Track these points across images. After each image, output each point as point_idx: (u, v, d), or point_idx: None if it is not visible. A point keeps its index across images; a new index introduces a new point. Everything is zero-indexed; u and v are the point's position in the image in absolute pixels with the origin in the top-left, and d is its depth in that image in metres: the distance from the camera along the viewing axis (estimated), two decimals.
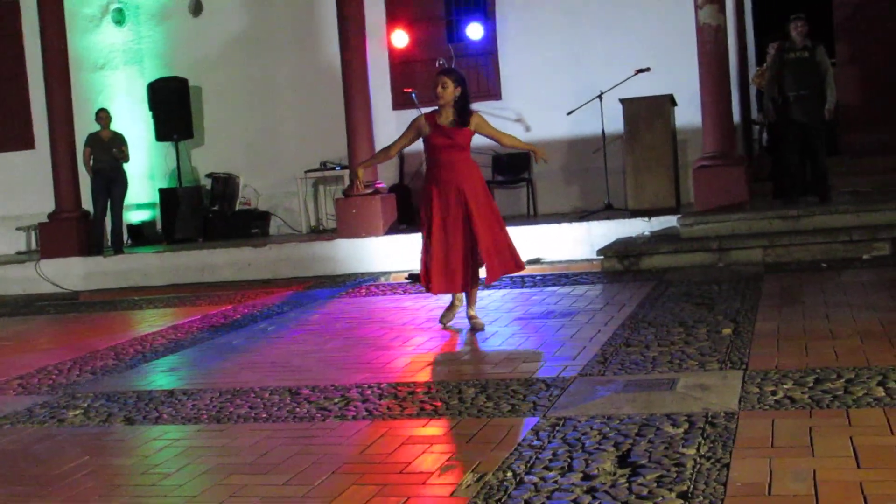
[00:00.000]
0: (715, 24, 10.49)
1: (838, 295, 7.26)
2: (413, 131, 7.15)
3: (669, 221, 10.43)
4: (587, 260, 10.44)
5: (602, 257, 9.91)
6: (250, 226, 14.10)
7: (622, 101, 11.18)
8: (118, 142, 13.02)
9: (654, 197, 10.95)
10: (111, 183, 12.97)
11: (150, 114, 14.21)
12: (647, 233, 10.48)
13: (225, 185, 14.29)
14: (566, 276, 9.60)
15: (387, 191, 12.32)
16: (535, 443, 4.19)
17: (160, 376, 6.60)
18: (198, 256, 12.35)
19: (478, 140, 13.26)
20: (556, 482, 3.68)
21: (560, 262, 10.58)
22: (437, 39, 13.60)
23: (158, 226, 14.58)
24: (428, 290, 7.23)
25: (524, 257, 10.58)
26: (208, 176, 14.43)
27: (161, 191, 14.25)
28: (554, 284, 9.11)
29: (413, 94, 12.40)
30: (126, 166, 13.18)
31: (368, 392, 5.42)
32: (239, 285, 11.43)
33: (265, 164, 14.39)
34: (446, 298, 7.75)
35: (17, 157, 15.34)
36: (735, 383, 4.84)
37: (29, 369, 7.13)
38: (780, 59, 10.46)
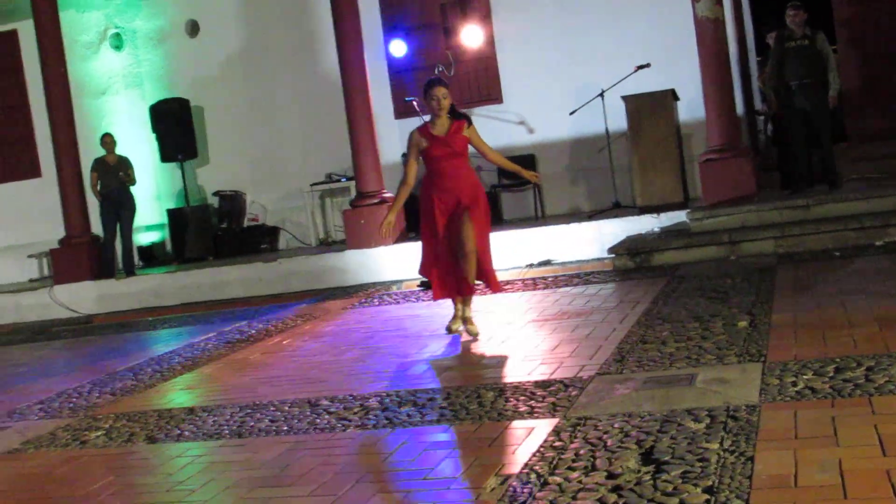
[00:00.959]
0: (713, 17, 10.48)
1: (853, 282, 7.24)
2: (415, 149, 7.12)
3: (679, 217, 10.41)
4: (598, 259, 10.42)
5: (613, 256, 9.90)
6: (259, 241, 14.14)
7: (624, 98, 11.17)
8: (124, 165, 13.06)
9: (661, 193, 10.93)
10: (119, 206, 13.01)
11: (153, 136, 14.25)
12: (656, 229, 10.47)
13: (232, 202, 14.32)
14: (578, 276, 9.60)
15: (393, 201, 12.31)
16: (557, 444, 4.19)
17: (179, 394, 6.63)
18: (209, 274, 12.38)
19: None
20: (580, 482, 3.68)
21: (571, 262, 10.56)
22: (435, 46, 13.61)
23: (168, 246, 14.62)
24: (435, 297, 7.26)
25: (535, 259, 10.70)
26: (215, 194, 14.46)
27: (169, 211, 14.29)
28: (566, 285, 9.11)
29: (414, 102, 12.41)
30: (133, 189, 13.21)
31: (388, 400, 5.43)
32: (251, 301, 11.45)
33: (271, 180, 14.42)
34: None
35: (24, 186, 15.39)
36: (755, 376, 4.83)
37: (49, 393, 7.16)
38: (780, 49, 10.45)
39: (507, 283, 9.74)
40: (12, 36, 15.29)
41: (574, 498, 3.54)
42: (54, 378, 7.96)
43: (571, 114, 11.90)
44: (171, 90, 14.56)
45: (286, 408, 5.59)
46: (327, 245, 13.43)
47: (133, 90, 15.00)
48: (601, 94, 11.61)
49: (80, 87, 14.53)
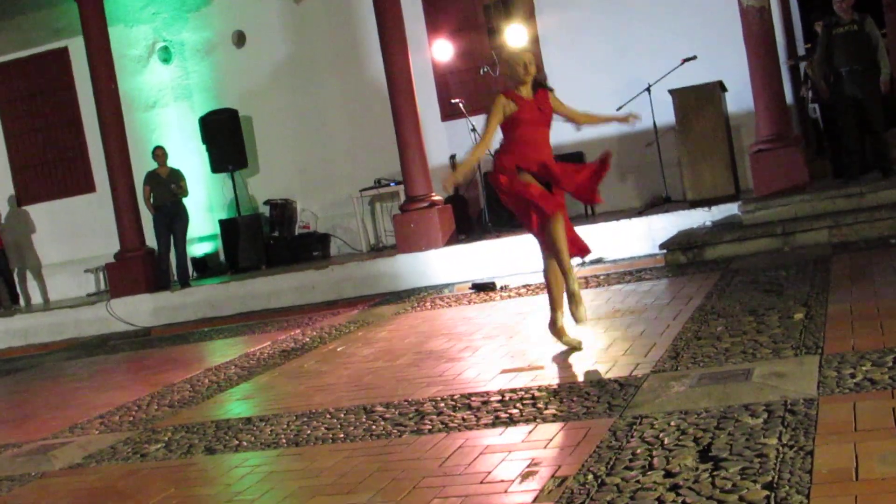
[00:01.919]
0: (758, 6, 10.39)
1: None
2: (500, 113, 6.43)
3: (730, 209, 10.32)
4: (650, 255, 10.36)
5: (665, 251, 9.83)
6: (311, 249, 14.24)
7: (671, 91, 11.09)
8: (176, 177, 13.22)
9: (712, 186, 10.84)
10: (172, 218, 13.18)
11: (203, 147, 14.42)
12: (708, 223, 10.38)
13: (283, 210, 14.44)
14: (630, 273, 9.54)
15: (443, 202, 12.34)
16: (614, 443, 4.17)
17: (236, 404, 6.68)
18: (262, 283, 12.49)
19: None
20: (637, 482, 3.66)
21: (622, 259, 10.52)
22: (479, 47, 13.62)
23: (222, 256, 14.78)
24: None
25: (586, 257, 10.64)
26: (266, 203, 14.60)
27: (221, 222, 14.44)
28: (618, 283, 9.06)
29: (461, 104, 12.42)
30: (186, 201, 13.38)
31: (442, 405, 5.43)
32: (305, 309, 11.53)
33: (320, 187, 14.52)
34: (510, 306, 7.69)
35: (79, 202, 15.69)
36: (812, 368, 4.76)
37: (109, 407, 7.26)
38: (827, 36, 10.31)
39: None
40: (63, 53, 15.59)
41: (632, 498, 3.51)
42: (114, 392, 8.07)
43: (618, 109, 11.81)
44: (220, 101, 14.73)
45: (342, 415, 5.62)
46: (378, 250, 13.50)
47: (182, 102, 15.19)
48: (648, 89, 11.55)
49: (131, 101, 14.76)
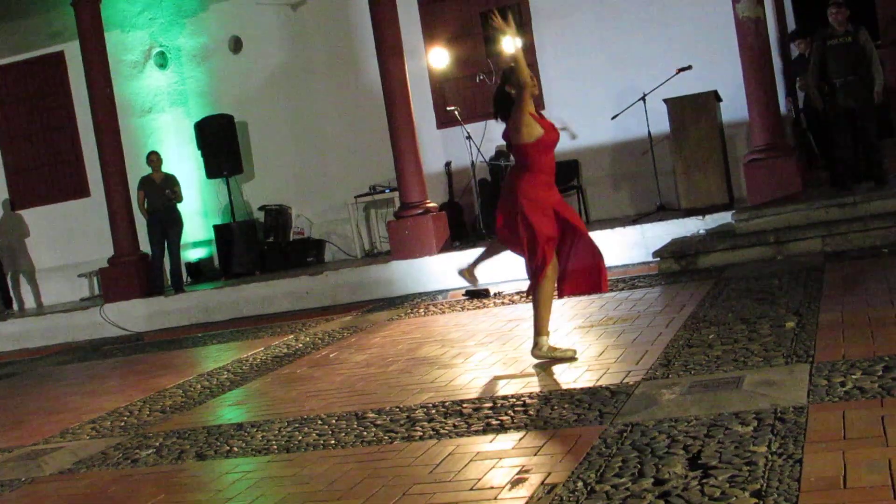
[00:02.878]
0: (754, 17, 10.42)
1: None
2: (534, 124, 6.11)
3: (724, 218, 10.34)
4: (643, 263, 10.38)
5: (658, 259, 9.84)
6: (305, 255, 14.24)
7: (666, 101, 11.12)
8: (171, 183, 13.23)
9: (706, 195, 10.87)
10: (167, 224, 13.17)
11: (199, 152, 14.41)
12: (702, 231, 10.40)
13: (277, 216, 14.44)
14: (623, 280, 9.55)
15: (437, 209, 12.35)
16: (604, 450, 4.18)
17: (228, 410, 6.68)
18: (256, 289, 12.49)
19: None
20: (627, 489, 3.66)
21: (616, 266, 10.51)
22: (475, 55, 13.63)
23: (216, 262, 14.76)
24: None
25: None
26: (261, 209, 14.60)
27: (216, 227, 14.43)
28: (611, 290, 9.05)
29: (457, 112, 12.43)
30: (180, 206, 13.38)
31: (434, 411, 5.43)
32: (299, 314, 11.53)
33: (315, 193, 14.53)
34: (503, 313, 7.71)
35: (73, 206, 15.67)
36: (802, 377, 4.78)
37: (101, 412, 7.25)
38: (822, 47, 10.33)
39: None
40: (59, 57, 15.59)
41: None
42: (106, 397, 8.06)
43: (613, 118, 11.86)
44: (216, 107, 14.72)
45: (333, 421, 5.62)
46: (372, 256, 13.50)
47: (178, 108, 15.19)
48: (643, 98, 11.57)
49: (126, 106, 14.77)
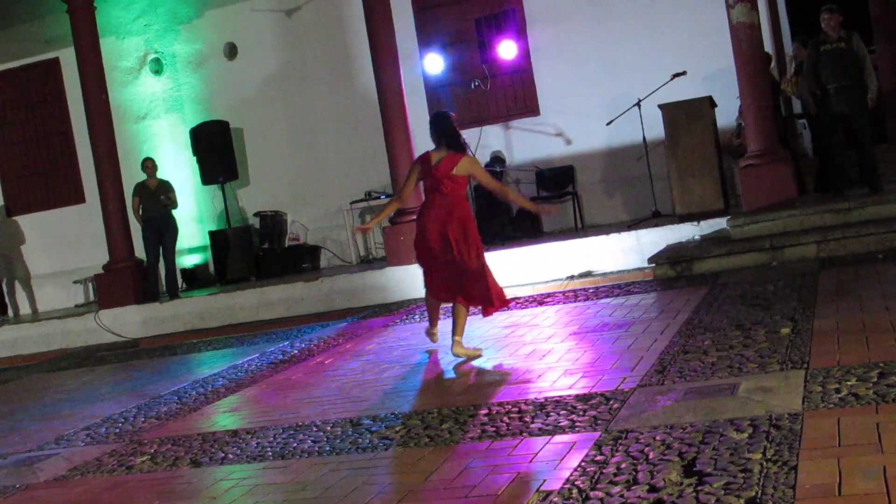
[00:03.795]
0: (748, 22, 10.42)
1: None
2: (414, 173, 7.37)
3: (719, 224, 10.35)
4: (639, 269, 10.38)
5: (653, 265, 9.85)
6: (301, 261, 14.23)
7: (661, 106, 11.14)
8: (166, 189, 13.21)
9: (701, 200, 10.87)
10: (162, 230, 13.16)
11: (194, 158, 14.40)
12: (697, 237, 10.40)
13: (273, 222, 14.43)
14: (619, 286, 9.56)
15: None
16: (599, 458, 4.18)
17: (223, 417, 6.67)
18: (251, 295, 12.47)
19: (521, 155, 13.31)
20: (622, 496, 3.66)
21: (611, 272, 10.53)
22: (470, 61, 13.64)
23: (211, 268, 14.75)
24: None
25: (575, 270, 10.67)
26: (256, 215, 14.58)
27: (211, 233, 14.42)
28: (607, 296, 9.07)
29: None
30: (175, 212, 13.36)
31: (429, 418, 5.43)
32: (294, 321, 11.52)
33: (311, 199, 14.52)
34: (499, 319, 7.75)
35: (69, 212, 15.65)
36: (797, 383, 4.78)
37: (96, 419, 7.24)
38: (815, 53, 10.35)
39: (548, 295, 9.74)
40: (54, 64, 15.58)
41: None
42: (100, 403, 8.05)
43: (608, 124, 11.88)
44: (211, 113, 14.72)
45: (328, 428, 5.61)
46: (368, 263, 13.49)
47: (173, 114, 15.18)
48: (638, 104, 11.59)
49: (122, 112, 14.77)
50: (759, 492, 3.46)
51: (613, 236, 10.88)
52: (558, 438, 4.62)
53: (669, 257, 9.77)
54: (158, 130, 15.25)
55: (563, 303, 9.13)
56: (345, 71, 14.17)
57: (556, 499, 3.77)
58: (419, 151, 12.52)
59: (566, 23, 13.07)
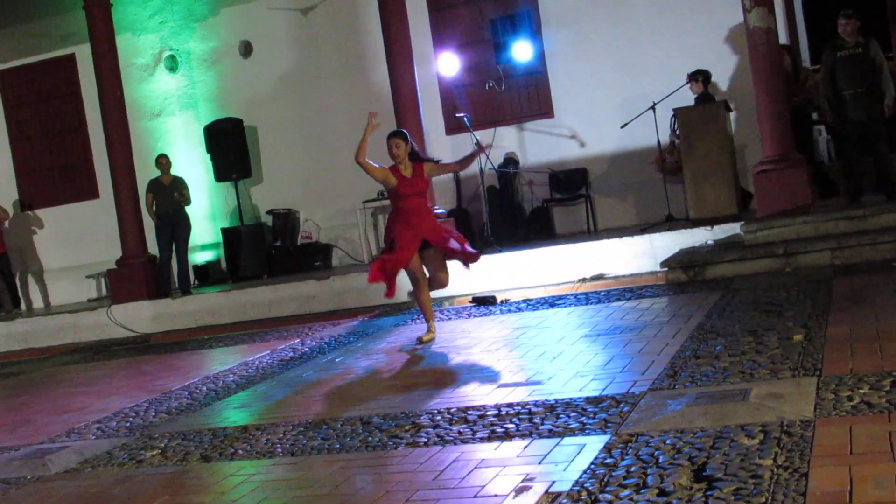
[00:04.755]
0: (765, 27, 10.39)
1: None
2: (381, 173, 8.20)
3: (733, 229, 10.31)
4: (651, 273, 10.36)
5: (666, 269, 9.82)
6: (313, 259, 14.24)
7: (676, 110, 11.11)
8: (179, 186, 13.25)
9: (715, 205, 10.83)
10: (175, 226, 13.20)
11: (207, 156, 14.43)
12: (710, 242, 10.38)
13: (285, 220, 14.45)
14: (631, 290, 9.54)
15: (445, 215, 12.35)
16: (609, 461, 4.17)
17: (233, 413, 6.68)
18: (263, 293, 12.49)
19: (535, 157, 13.28)
20: (631, 499, 3.66)
21: (624, 276, 10.51)
22: (485, 62, 13.63)
23: (223, 265, 14.78)
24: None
25: (588, 273, 10.66)
26: (269, 212, 14.61)
27: (224, 230, 14.44)
28: (619, 299, 9.05)
29: (465, 118, 12.43)
30: (188, 209, 13.40)
31: (439, 417, 5.43)
32: (305, 319, 11.53)
33: (323, 197, 14.54)
34: (510, 320, 7.71)
35: (82, 208, 15.71)
36: (809, 390, 4.76)
37: (106, 413, 7.27)
38: (832, 58, 10.31)
39: (559, 297, 9.73)
40: (70, 60, 15.64)
41: None
42: (112, 397, 8.07)
43: (623, 127, 11.85)
44: (225, 110, 14.75)
45: (338, 426, 5.62)
46: None
47: (188, 111, 15.22)
48: (653, 107, 11.56)
49: (136, 109, 14.82)
50: (769, 498, 3.44)
51: (626, 239, 10.86)
52: (568, 440, 4.61)
53: (682, 262, 9.74)
54: (173, 127, 15.29)
55: (575, 305, 9.12)
56: (359, 70, 14.18)
57: (564, 501, 3.76)
58: (432, 151, 12.58)
59: (581, 25, 13.05)
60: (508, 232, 12.77)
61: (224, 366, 8.77)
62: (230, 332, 11.52)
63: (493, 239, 12.32)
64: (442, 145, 13.43)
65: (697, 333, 6.72)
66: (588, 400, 5.30)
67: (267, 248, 14.31)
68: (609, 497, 3.72)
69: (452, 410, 5.55)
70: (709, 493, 3.59)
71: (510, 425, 5.03)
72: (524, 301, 9.88)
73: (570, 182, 13.10)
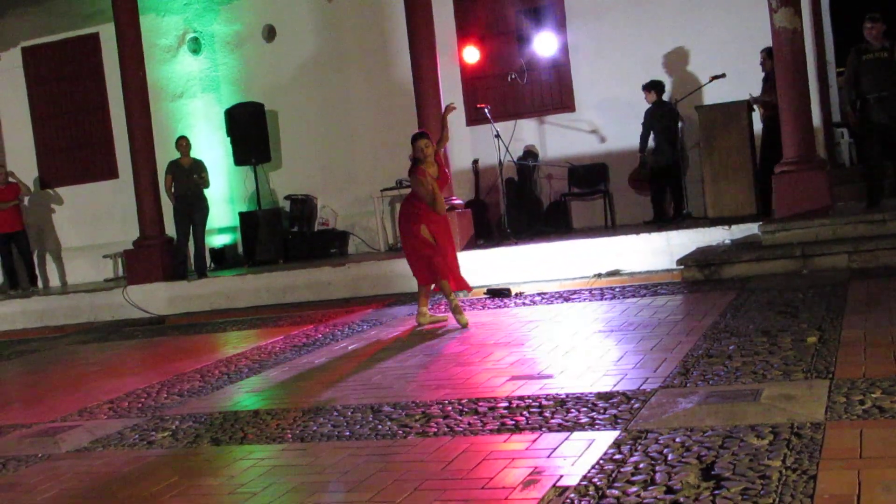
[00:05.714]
0: (791, 27, 10.32)
1: None
2: (432, 182, 8.49)
3: (750, 229, 10.27)
4: (667, 270, 10.33)
5: (682, 267, 9.80)
6: (329, 246, 14.27)
7: (697, 108, 11.08)
8: (198, 168, 13.28)
9: (733, 204, 10.80)
10: (193, 209, 13.24)
11: (228, 139, 14.47)
12: (727, 241, 10.34)
13: (303, 206, 14.48)
14: (646, 287, 9.52)
15: (463, 206, 12.35)
16: (617, 456, 4.17)
17: (245, 397, 6.71)
18: (279, 278, 12.52)
19: (554, 151, 13.26)
20: (638, 496, 3.65)
21: (639, 272, 10.49)
22: (508, 53, 13.61)
23: (240, 248, 14.81)
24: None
25: (603, 268, 10.64)
26: (287, 198, 14.64)
27: (241, 214, 14.48)
28: (634, 296, 9.03)
29: (486, 110, 12.42)
30: (207, 192, 13.44)
31: (449, 408, 5.44)
32: (319, 305, 11.55)
33: (342, 185, 14.56)
34: (524, 313, 7.69)
35: (101, 187, 15.78)
36: (821, 393, 4.74)
37: (119, 393, 7.30)
38: (857, 61, 10.24)
39: (574, 292, 9.72)
40: (94, 39, 15.69)
41: None
42: (124, 378, 8.11)
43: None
44: (247, 94, 14.78)
45: (349, 413, 5.63)
46: (396, 251, 13.50)
47: (209, 94, 15.25)
48: (675, 104, 11.51)
49: (159, 90, 14.85)
50: (777, 499, 3.44)
51: (643, 236, 10.83)
52: (577, 435, 4.61)
53: (698, 260, 9.71)
54: (194, 109, 15.32)
55: (590, 300, 9.11)
56: (382, 58, 14.18)
57: (572, 495, 3.76)
58: (452, 141, 12.58)
59: (606, 19, 13.01)
60: (525, 225, 12.76)
61: (237, 350, 8.80)
62: (244, 316, 11.55)
63: (510, 231, 12.32)
64: (462, 136, 13.43)
65: (711, 332, 6.70)
66: (599, 395, 5.30)
67: (284, 233, 14.34)
68: (616, 493, 3.71)
69: (463, 401, 5.56)
70: (716, 492, 3.58)
71: (520, 418, 5.03)
72: (539, 294, 9.87)
73: (589, 176, 13.07)
